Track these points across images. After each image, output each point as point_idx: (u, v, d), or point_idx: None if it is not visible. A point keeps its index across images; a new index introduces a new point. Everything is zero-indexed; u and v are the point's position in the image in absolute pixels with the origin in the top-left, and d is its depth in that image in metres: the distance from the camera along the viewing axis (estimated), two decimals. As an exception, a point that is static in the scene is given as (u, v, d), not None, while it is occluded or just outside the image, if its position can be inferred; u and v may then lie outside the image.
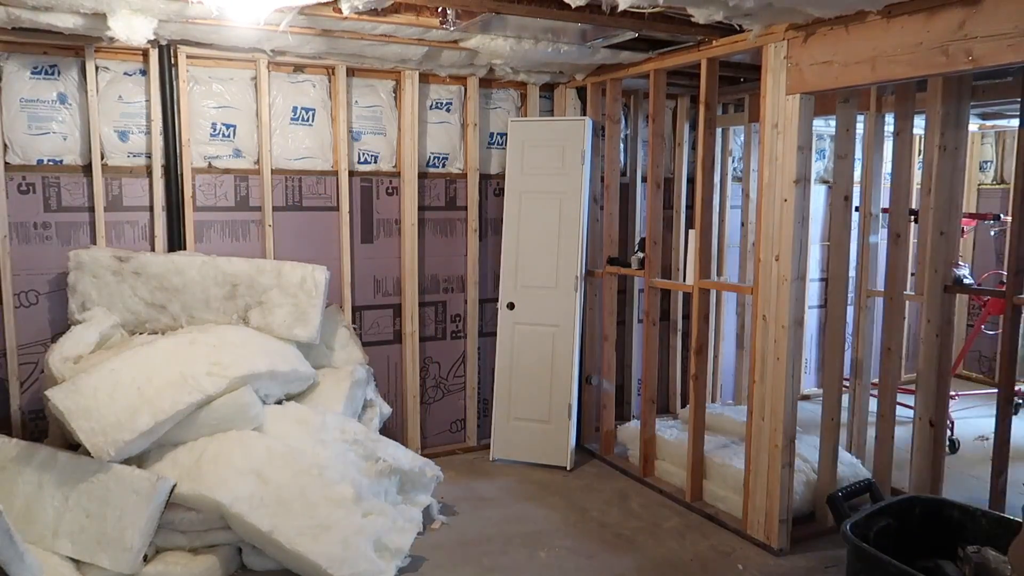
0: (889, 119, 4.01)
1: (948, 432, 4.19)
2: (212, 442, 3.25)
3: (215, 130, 4.00)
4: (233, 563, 3.23)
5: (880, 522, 2.59)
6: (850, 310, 4.15)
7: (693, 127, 5.05)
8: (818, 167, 5.81)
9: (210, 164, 4.01)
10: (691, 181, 5.00)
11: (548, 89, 4.81)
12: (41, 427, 3.72)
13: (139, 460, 3.22)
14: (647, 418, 4.26)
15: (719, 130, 5.08)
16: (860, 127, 4.44)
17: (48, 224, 3.70)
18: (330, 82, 4.23)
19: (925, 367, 3.74)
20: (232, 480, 3.12)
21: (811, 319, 5.76)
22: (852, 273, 4.37)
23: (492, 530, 3.69)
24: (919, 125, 4.33)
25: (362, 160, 4.36)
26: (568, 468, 4.46)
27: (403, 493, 3.69)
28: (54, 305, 3.73)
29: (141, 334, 3.72)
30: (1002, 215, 5.22)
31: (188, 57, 3.84)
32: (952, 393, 4.27)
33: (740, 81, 4.79)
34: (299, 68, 4.14)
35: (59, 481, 3.08)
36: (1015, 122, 4.99)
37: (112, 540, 2.95)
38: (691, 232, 3.94)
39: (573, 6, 2.94)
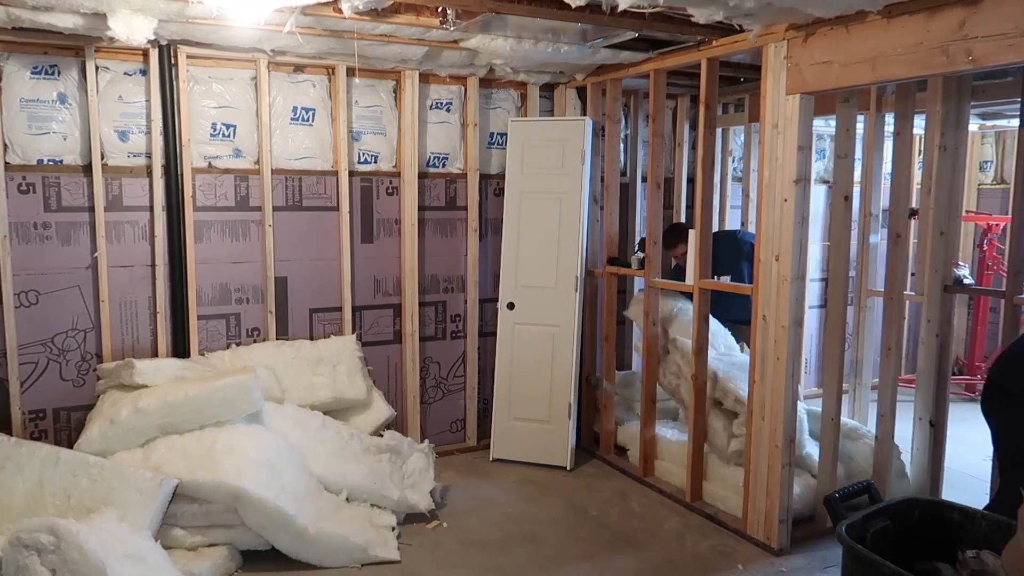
0: (889, 119, 4.00)
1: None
2: (221, 433, 3.29)
3: (215, 130, 3.99)
4: (234, 561, 3.24)
5: (878, 523, 2.57)
6: (850, 310, 4.15)
7: (693, 127, 5.04)
8: (818, 167, 5.81)
9: (210, 164, 4.01)
10: (691, 181, 5.00)
11: (548, 89, 4.80)
12: (41, 427, 3.72)
13: (144, 454, 3.23)
14: (647, 418, 4.26)
15: (719, 130, 5.08)
16: (860, 127, 4.43)
17: (48, 224, 3.70)
18: (330, 82, 4.23)
19: (925, 367, 3.75)
20: (250, 470, 3.16)
21: (811, 319, 5.75)
22: (852, 273, 4.37)
23: (492, 530, 3.69)
24: (919, 125, 4.32)
25: (362, 160, 4.36)
26: (568, 468, 4.46)
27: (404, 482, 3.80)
28: (54, 305, 3.74)
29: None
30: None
31: (188, 57, 3.83)
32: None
33: (740, 81, 4.79)
34: (299, 68, 4.14)
35: (61, 479, 3.08)
36: (1015, 122, 4.98)
37: (114, 539, 2.95)
38: (691, 232, 3.94)
39: (573, 6, 2.94)
